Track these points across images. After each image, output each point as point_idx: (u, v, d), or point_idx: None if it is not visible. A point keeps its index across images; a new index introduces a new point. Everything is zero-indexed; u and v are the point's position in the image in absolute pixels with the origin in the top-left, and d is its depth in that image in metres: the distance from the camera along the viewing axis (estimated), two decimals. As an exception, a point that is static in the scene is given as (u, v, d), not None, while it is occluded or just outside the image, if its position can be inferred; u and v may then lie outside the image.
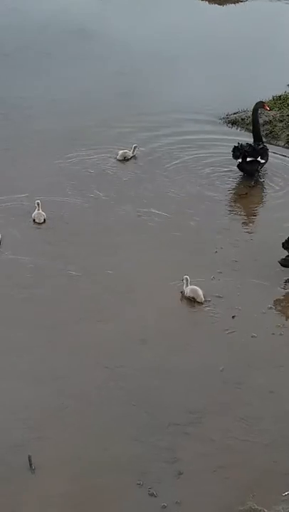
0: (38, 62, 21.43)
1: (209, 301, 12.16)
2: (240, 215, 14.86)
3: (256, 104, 16.71)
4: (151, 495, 8.95)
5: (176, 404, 10.19)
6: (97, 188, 15.39)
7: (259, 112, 16.90)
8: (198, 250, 13.41)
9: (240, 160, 15.64)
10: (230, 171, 16.12)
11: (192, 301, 12.13)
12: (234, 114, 18.63)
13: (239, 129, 18.11)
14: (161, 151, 16.90)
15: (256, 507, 8.75)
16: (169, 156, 16.69)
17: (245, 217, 14.80)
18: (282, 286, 12.62)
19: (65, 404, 10.16)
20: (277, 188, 15.80)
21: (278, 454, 9.57)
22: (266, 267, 13.01)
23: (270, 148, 16.63)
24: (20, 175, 15.75)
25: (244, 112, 18.57)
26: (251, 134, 16.62)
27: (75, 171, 16.01)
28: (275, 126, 17.82)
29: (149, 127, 17.84)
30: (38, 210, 14.04)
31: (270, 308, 12.11)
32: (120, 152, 16.38)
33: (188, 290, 12.17)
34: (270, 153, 16.24)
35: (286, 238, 12.80)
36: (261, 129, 16.86)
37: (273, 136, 17.57)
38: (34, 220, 14.03)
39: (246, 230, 14.30)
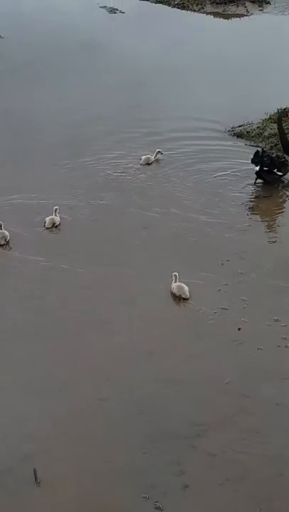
0: (46, 76, 21.61)
1: (215, 313, 12.15)
2: (250, 226, 14.82)
3: (279, 113, 16.68)
4: (158, 508, 8.89)
5: (182, 417, 10.14)
6: (109, 194, 15.59)
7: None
8: (204, 261, 13.38)
9: (258, 168, 15.90)
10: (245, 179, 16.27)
11: (178, 298, 12.36)
12: (239, 126, 18.66)
13: (244, 141, 18.11)
14: (171, 163, 16.97)
15: (263, 521, 8.71)
16: (178, 168, 16.75)
17: (254, 229, 14.75)
18: (288, 299, 12.59)
19: (69, 417, 10.13)
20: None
21: (285, 467, 9.50)
22: (272, 279, 12.99)
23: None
24: (35, 180, 15.98)
25: (249, 124, 18.61)
26: (255, 149, 16.52)
27: (85, 178, 16.21)
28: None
29: (154, 141, 17.86)
30: (55, 215, 14.33)
31: (276, 320, 12.05)
32: (143, 157, 16.76)
33: (174, 287, 12.37)
34: None
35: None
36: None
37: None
38: (45, 224, 14.26)
39: (252, 242, 14.24)
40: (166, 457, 9.52)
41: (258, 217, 15.23)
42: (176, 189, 15.92)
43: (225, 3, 27.72)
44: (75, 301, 12.47)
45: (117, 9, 27.56)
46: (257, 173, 16.02)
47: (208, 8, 27.68)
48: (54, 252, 13.73)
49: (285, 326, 11.95)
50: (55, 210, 14.40)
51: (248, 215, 15.20)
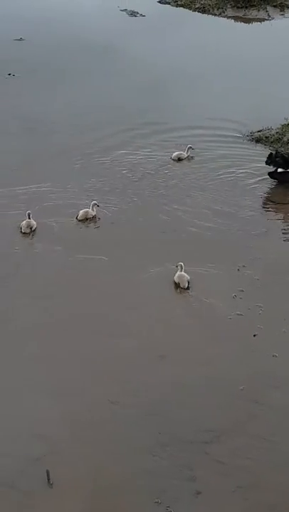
0: (63, 78, 21.69)
1: (230, 319, 12.13)
2: (266, 232, 14.76)
3: None
4: (169, 514, 8.90)
5: (195, 422, 10.13)
6: (136, 192, 15.84)
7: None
8: (220, 267, 13.36)
9: (272, 169, 16.13)
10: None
11: (177, 286, 12.70)
12: (258, 131, 18.62)
13: (263, 146, 18.06)
14: (190, 165, 17.01)
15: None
16: (197, 172, 16.79)
17: (271, 235, 14.69)
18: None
19: (82, 419, 10.16)
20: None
21: (298, 475, 9.48)
22: (287, 285, 12.95)
23: None
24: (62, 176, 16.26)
25: (268, 129, 18.57)
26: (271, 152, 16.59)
27: (110, 177, 16.45)
28: None
29: (171, 145, 17.88)
30: (92, 209, 14.70)
31: (292, 327, 12.03)
32: (175, 153, 17.10)
33: (176, 275, 12.70)
34: None
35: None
36: None
37: None
38: (77, 216, 14.65)
39: (269, 248, 14.19)
40: (178, 462, 9.52)
41: (274, 223, 15.15)
42: (194, 192, 15.93)
43: (246, 7, 27.66)
44: (87, 300, 12.50)
45: (137, 12, 27.61)
46: (270, 174, 16.13)
47: (229, 12, 27.65)
48: (76, 245, 13.92)
49: (301, 333, 11.93)
50: (93, 205, 14.72)
51: (264, 220, 15.15)
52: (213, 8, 27.74)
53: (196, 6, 27.94)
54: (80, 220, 14.67)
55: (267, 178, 16.31)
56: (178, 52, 23.96)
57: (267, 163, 16.23)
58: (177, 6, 28.33)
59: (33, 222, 14.28)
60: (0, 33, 24.83)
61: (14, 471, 9.37)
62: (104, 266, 13.41)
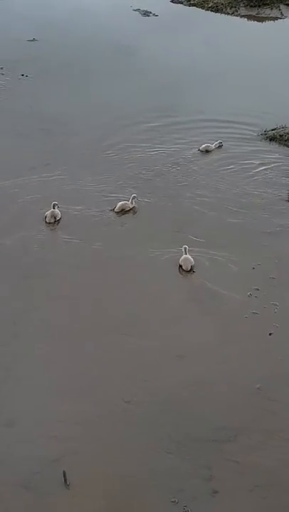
0: (80, 78, 21.73)
1: (246, 317, 12.08)
2: (282, 230, 14.65)
3: None
4: (187, 513, 8.86)
5: (212, 421, 10.09)
6: (159, 188, 15.97)
7: None
8: (235, 265, 13.32)
9: None
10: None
11: (181, 268, 13.12)
12: (272, 130, 18.54)
13: (277, 145, 17.99)
14: (208, 165, 17.00)
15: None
16: (211, 170, 16.78)
17: (286, 233, 14.61)
18: None
19: (98, 419, 10.13)
20: None
21: (316, 474, 9.40)
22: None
23: None
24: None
25: (282, 128, 18.49)
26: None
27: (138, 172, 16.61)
28: None
29: (187, 143, 17.87)
30: (131, 203, 14.93)
31: (308, 325, 11.95)
32: (203, 145, 17.49)
33: (181, 258, 13.17)
34: None
35: None
36: None
37: None
38: (114, 208, 14.85)
39: (285, 246, 14.11)
40: (195, 461, 9.48)
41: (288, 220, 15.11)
42: (209, 190, 15.91)
43: (259, 6, 27.59)
44: (103, 299, 12.49)
45: (150, 12, 27.61)
46: None
47: (242, 11, 27.58)
48: (98, 238, 14.08)
49: (317, 331, 11.85)
50: (133, 198, 14.98)
51: (280, 218, 15.08)
52: (226, 7, 27.68)
53: (209, 5, 27.90)
54: (116, 212, 14.86)
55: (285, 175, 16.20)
56: (191, 51, 23.93)
57: None
58: (190, 5, 28.30)
59: (57, 212, 14.54)
60: (13, 34, 24.90)
61: (31, 473, 9.35)
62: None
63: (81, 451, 9.66)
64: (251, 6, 27.65)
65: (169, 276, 13.09)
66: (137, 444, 9.78)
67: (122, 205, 14.93)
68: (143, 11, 27.78)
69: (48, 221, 14.49)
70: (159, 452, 9.63)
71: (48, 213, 14.54)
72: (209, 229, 14.48)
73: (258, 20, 27.07)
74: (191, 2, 28.41)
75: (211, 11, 27.72)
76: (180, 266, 13.21)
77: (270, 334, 11.74)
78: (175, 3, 28.64)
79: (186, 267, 13.10)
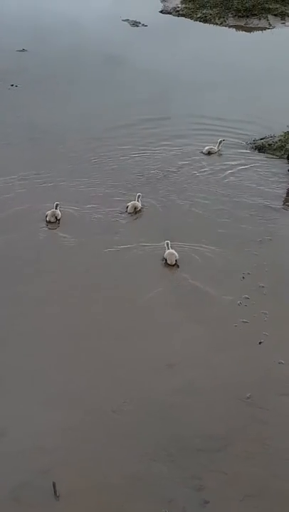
0: (69, 88, 21.75)
1: (236, 326, 12.07)
2: (270, 239, 14.71)
3: None
4: (177, 524, 8.81)
5: (202, 431, 10.06)
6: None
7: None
8: (225, 274, 13.33)
9: None
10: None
11: (164, 262, 13.51)
12: (261, 139, 18.62)
13: (266, 154, 18.04)
14: (192, 175, 17.05)
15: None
16: (200, 179, 16.84)
17: (275, 242, 14.63)
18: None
19: (87, 429, 10.07)
20: None
21: (306, 483, 9.39)
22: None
23: None
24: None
25: (271, 137, 18.57)
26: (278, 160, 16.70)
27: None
28: None
29: (176, 154, 17.91)
30: (137, 201, 15.35)
31: (298, 334, 11.96)
32: (206, 147, 17.78)
33: (166, 253, 13.55)
34: None
35: None
36: None
37: None
38: (127, 208, 15.27)
39: (273, 255, 14.13)
40: (186, 471, 9.44)
41: (278, 229, 15.09)
42: (199, 198, 15.96)
43: (247, 16, 27.76)
44: (96, 305, 12.50)
45: (139, 22, 27.71)
46: None
47: (231, 21, 27.73)
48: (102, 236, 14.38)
49: (307, 340, 11.86)
50: (138, 197, 15.29)
51: (269, 227, 15.11)
52: (214, 17, 27.83)
53: (198, 16, 28.03)
54: (130, 213, 15.21)
55: (273, 185, 16.32)
56: (180, 61, 24.01)
57: None
58: (179, 15, 28.43)
59: (58, 212, 14.92)
60: (3, 44, 24.93)
61: (21, 484, 9.28)
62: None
63: (70, 462, 9.60)
64: (239, 17, 27.82)
65: (160, 282, 13.09)
66: (127, 455, 9.73)
67: (134, 204, 15.29)
68: (132, 21, 27.88)
69: (48, 220, 14.76)
70: (148, 462, 9.58)
71: (48, 213, 14.86)
72: (199, 237, 14.48)
73: (247, 31, 27.22)
74: (180, 12, 28.55)
75: (200, 21, 27.84)
76: (165, 260, 13.50)
77: (259, 343, 11.74)
78: (164, 13, 28.77)
79: (171, 261, 13.46)
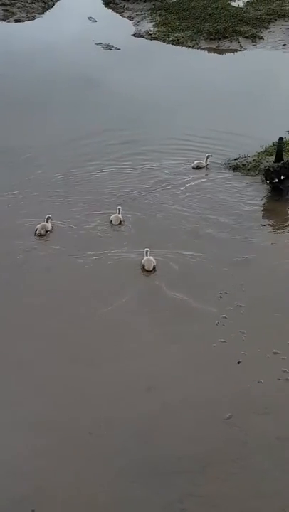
0: (43, 112, 21.73)
1: (214, 346, 12.07)
2: (247, 258, 14.69)
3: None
4: None
5: (182, 453, 9.99)
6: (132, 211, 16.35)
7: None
8: (203, 293, 13.34)
9: (276, 180, 16.91)
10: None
11: (143, 268, 13.99)
12: (235, 159, 18.76)
13: (241, 174, 18.17)
14: (173, 195, 17.14)
15: None
16: (180, 198, 16.96)
17: (253, 261, 14.65)
18: (287, 331, 12.52)
19: (66, 454, 9.97)
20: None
21: (288, 502, 9.34)
22: (271, 311, 12.93)
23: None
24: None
25: (245, 157, 18.71)
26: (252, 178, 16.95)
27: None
28: None
29: (150, 177, 18.00)
30: (118, 214, 15.78)
31: (276, 353, 11.95)
32: (195, 162, 18.36)
33: (144, 259, 13.95)
34: None
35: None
36: None
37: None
38: (111, 221, 15.72)
39: (250, 274, 14.17)
40: (167, 494, 9.36)
41: (256, 249, 15.15)
42: (178, 220, 16.02)
43: (219, 38, 28.06)
44: (81, 320, 12.53)
45: (112, 46, 27.89)
46: (275, 184, 16.93)
47: (203, 43, 28.02)
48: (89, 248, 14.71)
49: (285, 358, 11.86)
50: (119, 210, 15.84)
51: (245, 246, 15.18)
52: (186, 40, 28.10)
53: (170, 39, 28.27)
54: (115, 225, 15.62)
55: (252, 205, 16.58)
56: (153, 83, 24.16)
57: (270, 178, 16.93)
58: (151, 38, 28.65)
59: (48, 225, 15.19)
60: (-24, 69, 24.94)
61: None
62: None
63: (49, 487, 9.49)
64: (211, 39, 28.11)
65: (140, 301, 13.12)
66: (106, 479, 9.64)
67: (117, 217, 15.68)
68: (105, 44, 28.05)
69: (38, 233, 15.14)
70: (128, 486, 9.50)
71: (38, 226, 15.22)
72: (176, 255, 14.51)
73: (218, 53, 27.50)
74: (153, 36, 28.78)
75: (172, 44, 28.07)
76: (142, 266, 13.89)
77: (238, 362, 11.74)
78: (137, 36, 28.99)
79: (149, 266, 13.92)
